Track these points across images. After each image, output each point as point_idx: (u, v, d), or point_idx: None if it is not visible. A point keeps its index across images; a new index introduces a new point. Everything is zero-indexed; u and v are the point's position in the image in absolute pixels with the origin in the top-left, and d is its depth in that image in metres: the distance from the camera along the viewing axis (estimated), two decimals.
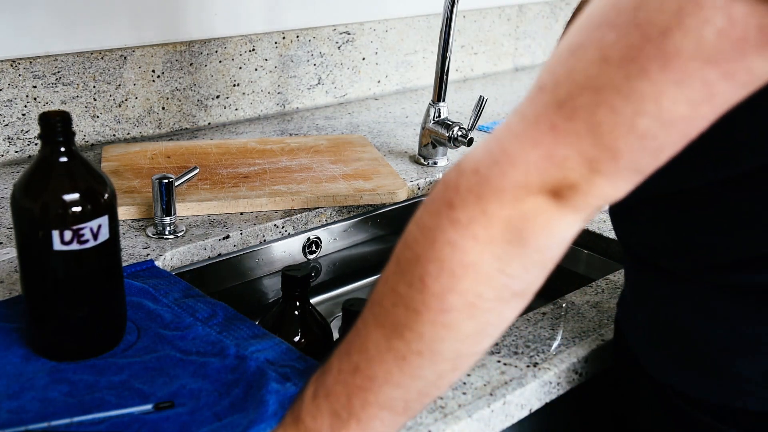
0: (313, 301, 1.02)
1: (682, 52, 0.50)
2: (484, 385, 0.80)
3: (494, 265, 0.57)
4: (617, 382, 0.86)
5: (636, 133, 0.52)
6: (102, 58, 1.36)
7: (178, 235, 1.07)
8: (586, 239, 1.21)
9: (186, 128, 1.50)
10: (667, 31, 0.50)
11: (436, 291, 0.58)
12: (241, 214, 1.14)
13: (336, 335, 1.07)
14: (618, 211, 0.80)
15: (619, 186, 0.55)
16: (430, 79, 1.86)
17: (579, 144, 0.53)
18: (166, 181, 1.04)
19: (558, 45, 0.57)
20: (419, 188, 1.32)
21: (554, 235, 0.56)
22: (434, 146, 1.37)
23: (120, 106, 1.40)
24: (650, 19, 0.50)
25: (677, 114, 0.51)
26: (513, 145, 0.55)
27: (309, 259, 1.22)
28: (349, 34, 1.68)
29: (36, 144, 1.33)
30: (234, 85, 1.54)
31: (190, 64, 1.46)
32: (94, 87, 1.36)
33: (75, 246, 0.73)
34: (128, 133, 1.43)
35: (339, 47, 1.67)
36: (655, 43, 0.50)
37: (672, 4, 0.49)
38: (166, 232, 1.07)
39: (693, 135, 0.54)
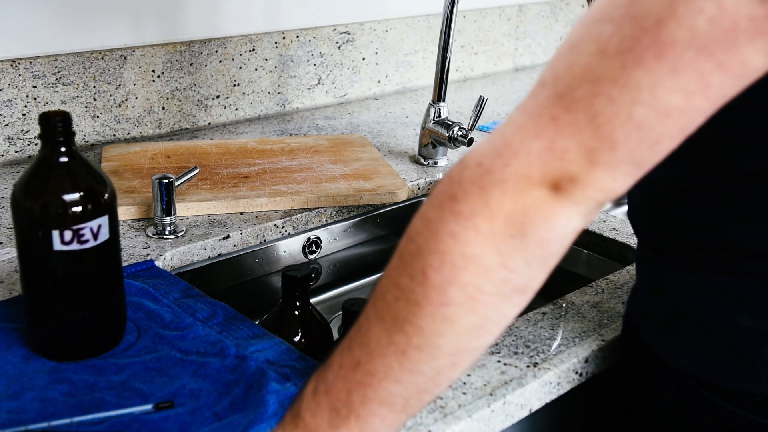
0: (313, 301, 1.02)
1: (677, 41, 0.51)
2: (484, 385, 0.80)
3: (495, 259, 0.57)
4: (626, 379, 0.86)
5: (633, 122, 0.53)
6: (102, 58, 1.36)
7: (178, 235, 1.07)
8: (586, 239, 1.21)
9: (186, 128, 1.50)
10: (661, 20, 0.51)
11: (437, 283, 0.58)
12: (241, 214, 1.14)
13: (336, 335, 1.07)
14: (639, 205, 0.80)
15: (619, 179, 0.56)
16: (430, 79, 1.86)
17: (578, 135, 0.54)
18: (166, 181, 1.04)
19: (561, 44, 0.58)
20: (419, 188, 1.32)
21: (555, 229, 0.57)
22: (434, 146, 1.37)
23: (120, 106, 1.40)
24: (645, 10, 0.52)
25: (672, 104, 0.52)
26: (515, 137, 0.56)
27: (309, 259, 1.22)
28: (349, 34, 1.68)
29: (36, 144, 1.33)
30: (234, 85, 1.54)
31: (190, 64, 1.46)
32: (94, 87, 1.36)
33: (75, 246, 0.73)
34: (128, 133, 1.43)
35: (339, 47, 1.67)
36: (651, 33, 0.51)
37: None
38: (166, 232, 1.07)
39: (690, 128, 0.54)
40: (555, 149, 0.54)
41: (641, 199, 0.79)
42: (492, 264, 0.57)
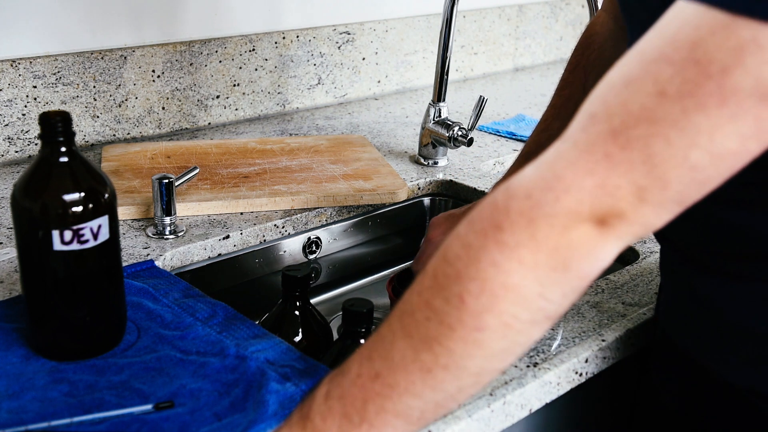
0: (313, 301, 1.02)
1: (741, 89, 0.52)
2: None
3: (535, 290, 0.58)
4: (663, 392, 0.86)
5: (688, 164, 0.54)
6: (102, 58, 1.36)
7: (178, 235, 1.07)
8: None
9: (186, 128, 1.50)
10: (727, 68, 0.52)
11: (474, 309, 0.59)
12: (241, 214, 1.14)
13: (336, 335, 1.07)
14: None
15: (662, 216, 0.57)
16: (430, 79, 1.85)
17: (632, 173, 0.55)
18: (166, 181, 1.04)
19: (607, 75, 0.58)
20: (419, 188, 1.32)
21: (596, 263, 0.58)
22: (434, 146, 1.37)
23: (120, 106, 1.40)
24: (709, 57, 0.52)
25: (728, 148, 0.53)
26: (567, 171, 0.56)
27: (309, 259, 1.22)
28: (349, 34, 1.68)
29: (36, 144, 1.33)
30: (234, 85, 1.54)
31: (190, 64, 1.46)
32: (94, 87, 1.36)
33: (75, 246, 0.73)
34: (128, 133, 1.43)
35: (339, 47, 1.67)
36: (715, 80, 0.52)
37: (732, 42, 0.51)
38: (166, 232, 1.07)
39: (736, 168, 0.55)
40: (607, 186, 0.55)
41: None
42: (530, 294, 0.58)
